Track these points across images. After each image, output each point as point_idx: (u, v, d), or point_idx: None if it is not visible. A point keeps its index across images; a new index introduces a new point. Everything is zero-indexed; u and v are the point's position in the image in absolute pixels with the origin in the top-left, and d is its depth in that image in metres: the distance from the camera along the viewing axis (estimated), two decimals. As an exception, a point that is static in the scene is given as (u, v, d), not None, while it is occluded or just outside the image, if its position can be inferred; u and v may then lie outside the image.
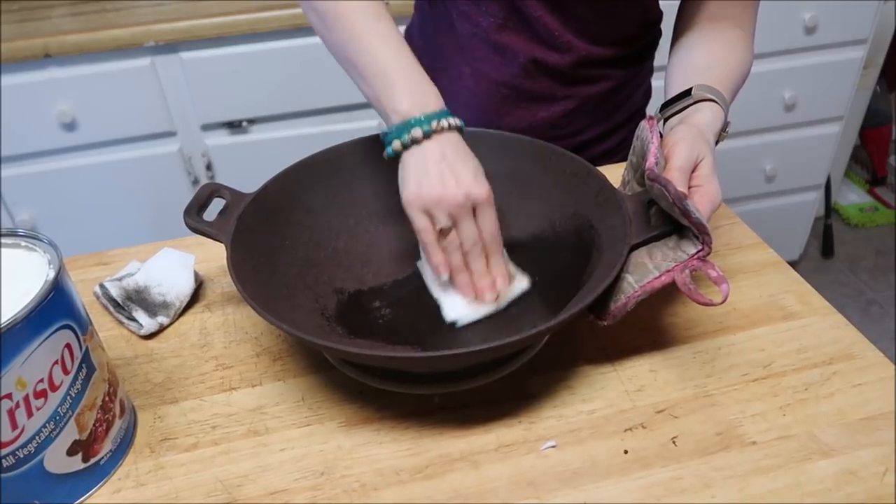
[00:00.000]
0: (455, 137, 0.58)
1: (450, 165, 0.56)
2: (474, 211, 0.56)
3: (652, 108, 0.90)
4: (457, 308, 0.59)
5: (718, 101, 0.61)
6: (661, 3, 0.80)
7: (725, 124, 0.62)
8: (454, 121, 0.58)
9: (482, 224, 0.56)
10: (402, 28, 0.89)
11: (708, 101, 0.61)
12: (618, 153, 0.86)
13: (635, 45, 0.79)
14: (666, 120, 0.64)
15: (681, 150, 0.55)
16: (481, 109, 0.80)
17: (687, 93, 0.63)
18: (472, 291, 0.58)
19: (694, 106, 0.62)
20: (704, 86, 0.62)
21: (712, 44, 0.69)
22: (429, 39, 0.82)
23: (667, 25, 0.80)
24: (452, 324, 0.59)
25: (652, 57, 0.85)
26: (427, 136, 0.56)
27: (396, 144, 0.57)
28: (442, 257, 0.57)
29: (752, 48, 0.71)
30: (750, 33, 0.71)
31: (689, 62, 0.69)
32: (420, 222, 0.57)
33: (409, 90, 0.57)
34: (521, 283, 0.60)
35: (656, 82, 0.85)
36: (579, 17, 0.73)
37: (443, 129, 0.56)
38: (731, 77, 0.66)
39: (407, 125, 0.56)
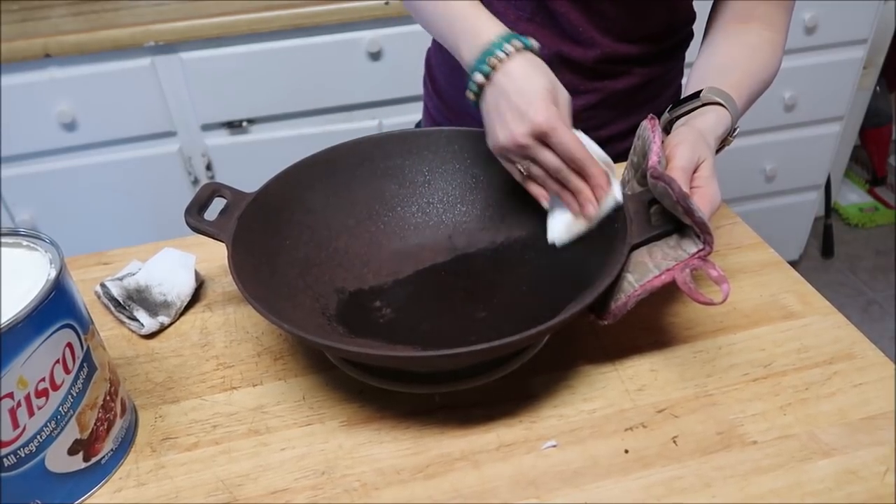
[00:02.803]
0: (517, 63, 0.58)
1: (508, 104, 0.57)
2: (542, 138, 0.57)
3: None
4: (554, 230, 0.61)
5: (726, 105, 0.61)
6: (695, 3, 0.79)
7: (732, 129, 0.62)
8: (516, 43, 0.59)
9: (556, 148, 0.57)
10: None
11: (715, 105, 0.61)
12: None
13: (662, 44, 0.79)
14: (676, 120, 0.64)
15: (683, 150, 0.55)
16: None
17: (696, 95, 0.63)
18: (576, 208, 0.59)
19: (700, 109, 0.62)
20: (715, 89, 0.62)
21: (735, 47, 0.69)
22: None
23: (700, 26, 0.80)
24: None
25: (682, 58, 0.84)
26: (487, 76, 0.59)
27: (469, 94, 0.61)
28: (537, 189, 0.60)
29: (781, 51, 0.70)
30: (781, 35, 0.70)
31: (708, 64, 0.69)
32: (507, 166, 0.61)
33: (464, 33, 0.62)
34: (615, 193, 0.59)
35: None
36: (604, 13, 0.73)
37: (500, 61, 0.58)
38: (749, 82, 0.66)
39: (472, 69, 0.60)
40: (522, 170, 0.60)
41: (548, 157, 0.57)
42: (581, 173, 0.57)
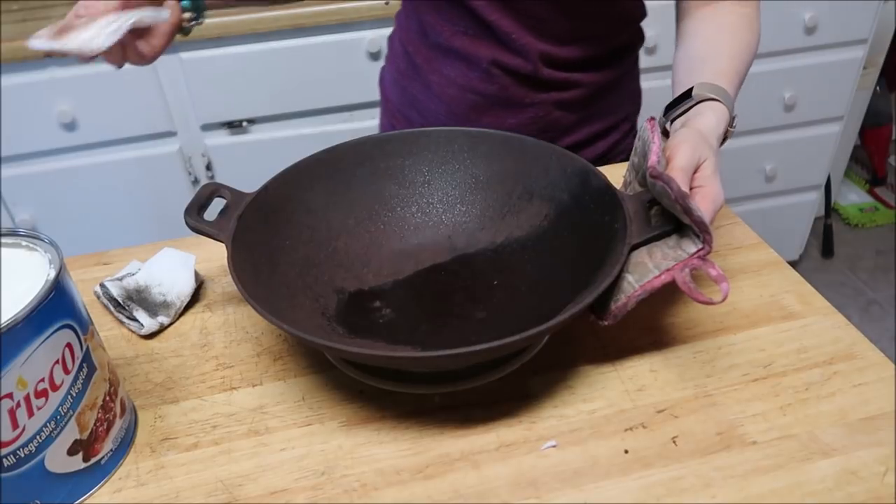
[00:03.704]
0: None
1: None
2: None
3: (646, 113, 0.89)
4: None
5: (721, 99, 0.61)
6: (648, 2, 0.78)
7: (732, 119, 0.62)
8: None
9: None
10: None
11: (710, 101, 0.61)
12: (604, 161, 0.84)
13: (606, 45, 0.77)
14: (671, 122, 0.63)
15: (683, 151, 0.55)
16: (453, 115, 0.80)
17: (688, 94, 0.62)
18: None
19: (697, 107, 0.61)
20: (706, 84, 0.62)
21: (712, 31, 0.68)
22: (404, 48, 0.83)
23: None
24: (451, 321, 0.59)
25: (633, 60, 0.83)
26: None
27: None
28: None
29: (758, 24, 0.69)
30: (754, 6, 0.69)
31: (688, 55, 0.68)
32: None
33: None
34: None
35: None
36: (537, 16, 0.72)
37: None
38: (734, 65, 0.65)
39: None
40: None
41: None
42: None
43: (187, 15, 0.64)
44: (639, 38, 0.82)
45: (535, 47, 0.73)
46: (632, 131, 0.88)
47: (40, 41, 0.60)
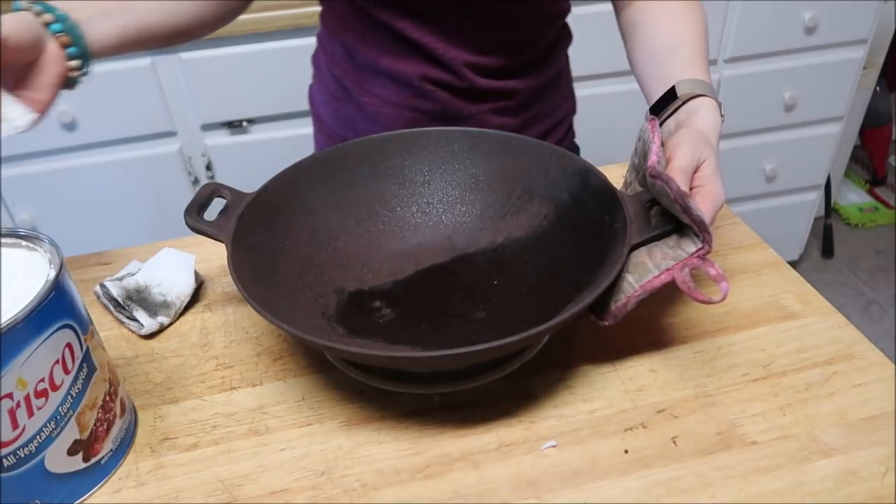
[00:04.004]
0: None
1: None
2: None
3: (580, 115, 0.88)
4: None
5: (708, 93, 0.61)
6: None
7: (719, 107, 0.62)
8: None
9: None
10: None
11: (700, 98, 0.61)
12: None
13: (535, 48, 0.76)
14: (661, 124, 0.63)
15: (683, 151, 0.55)
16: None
17: (672, 93, 0.62)
18: None
19: (687, 107, 0.61)
20: (686, 81, 0.62)
21: (663, 21, 0.68)
22: (330, 70, 0.80)
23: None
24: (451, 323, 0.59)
25: (561, 61, 0.82)
26: None
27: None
28: None
29: None
30: None
31: (648, 51, 0.68)
32: None
33: None
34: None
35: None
36: (460, 29, 0.71)
37: None
38: (698, 48, 0.65)
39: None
40: None
41: None
42: None
43: (74, 63, 0.58)
44: (566, 35, 0.81)
45: (463, 59, 0.72)
46: (569, 132, 0.87)
47: None
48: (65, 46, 0.57)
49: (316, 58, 0.85)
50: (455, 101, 0.75)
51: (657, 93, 0.64)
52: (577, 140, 0.92)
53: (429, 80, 0.73)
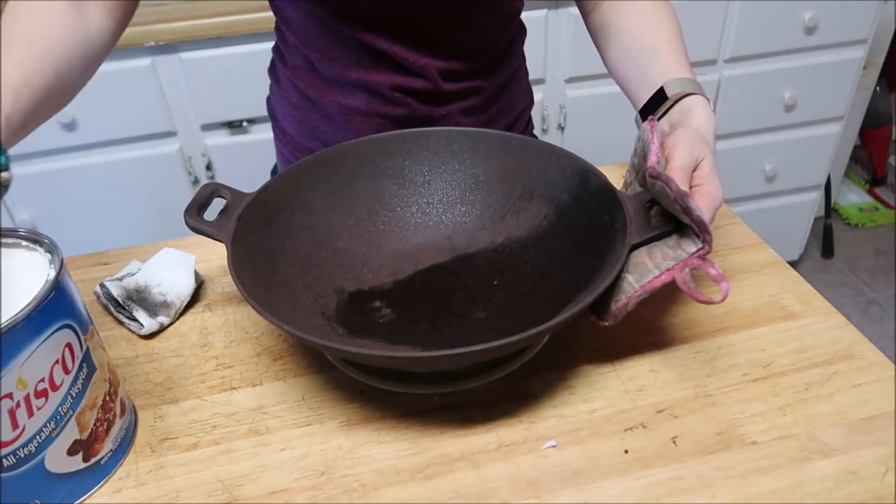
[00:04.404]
0: None
1: None
2: None
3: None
4: None
5: (697, 91, 0.61)
6: None
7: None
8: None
9: None
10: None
11: (691, 97, 0.60)
12: None
13: (497, 47, 0.77)
14: None
15: (681, 150, 0.55)
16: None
17: (662, 95, 0.62)
18: None
19: (680, 106, 0.61)
20: (673, 80, 0.62)
21: (635, 20, 0.68)
22: (292, 82, 0.79)
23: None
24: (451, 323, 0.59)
25: (519, 56, 0.82)
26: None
27: None
28: None
29: None
30: None
31: (626, 52, 0.68)
32: None
33: None
34: None
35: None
36: (427, 36, 0.71)
37: None
38: (675, 45, 0.65)
39: None
40: None
41: None
42: None
43: (5, 175, 0.52)
44: (522, 30, 0.81)
45: (433, 66, 0.72)
46: (529, 124, 0.88)
47: None
48: None
49: (273, 70, 0.83)
50: (424, 106, 0.75)
51: (643, 94, 0.65)
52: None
53: (400, 88, 0.73)
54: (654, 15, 0.68)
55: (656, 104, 0.62)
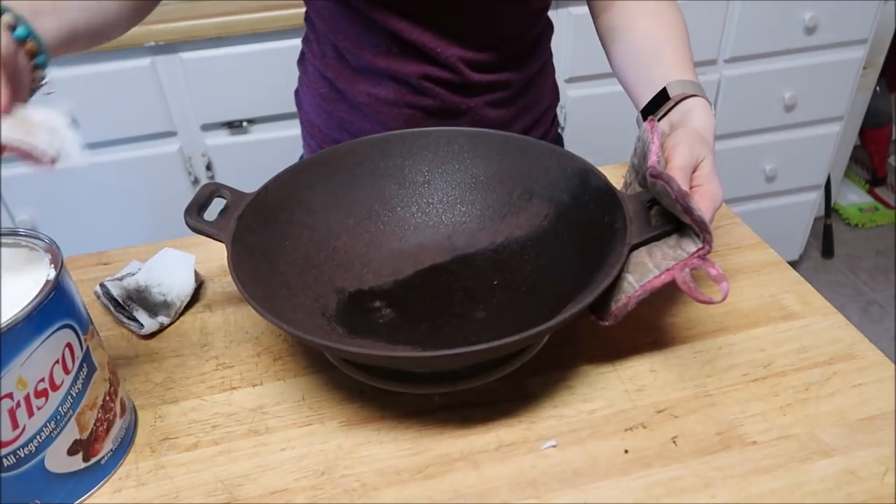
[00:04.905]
0: None
1: None
2: None
3: (580, 114, 0.89)
4: None
5: (699, 93, 0.61)
6: None
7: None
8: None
9: None
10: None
11: (692, 98, 0.61)
12: None
13: (525, 41, 0.77)
14: None
15: (681, 151, 0.55)
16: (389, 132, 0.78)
17: (664, 95, 0.62)
18: None
19: (681, 107, 0.61)
20: (676, 82, 0.62)
21: (643, 21, 0.68)
22: (321, 73, 0.80)
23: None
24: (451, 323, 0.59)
25: (546, 52, 0.83)
26: None
27: None
28: None
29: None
30: None
31: (631, 53, 0.68)
32: None
33: None
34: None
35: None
36: (456, 28, 0.72)
37: None
38: (680, 48, 0.66)
39: None
40: None
41: None
42: None
43: (39, 74, 0.53)
44: (549, 27, 0.82)
45: (460, 56, 0.73)
46: (554, 121, 0.89)
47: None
48: (31, 55, 0.51)
49: (302, 61, 0.85)
50: (453, 97, 0.75)
51: (646, 95, 0.65)
52: (576, 141, 0.92)
53: (428, 78, 0.74)
54: (661, 19, 0.68)
55: (658, 105, 0.63)
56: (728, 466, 0.48)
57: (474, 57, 0.74)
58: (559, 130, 0.91)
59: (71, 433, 0.47)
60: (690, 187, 0.54)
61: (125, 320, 0.63)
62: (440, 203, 0.69)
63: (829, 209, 1.99)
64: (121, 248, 0.73)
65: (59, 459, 0.46)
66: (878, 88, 1.90)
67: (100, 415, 0.49)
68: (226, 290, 0.67)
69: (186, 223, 0.58)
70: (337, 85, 0.78)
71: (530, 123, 0.83)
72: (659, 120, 0.62)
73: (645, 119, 0.63)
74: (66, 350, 0.45)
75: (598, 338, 0.59)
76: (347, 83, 0.77)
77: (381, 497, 0.48)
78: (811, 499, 0.46)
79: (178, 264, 0.66)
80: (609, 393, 0.54)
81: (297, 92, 0.88)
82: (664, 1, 0.69)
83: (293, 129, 1.43)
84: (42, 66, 0.53)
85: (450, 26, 0.71)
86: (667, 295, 0.62)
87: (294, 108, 1.41)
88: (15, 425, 0.43)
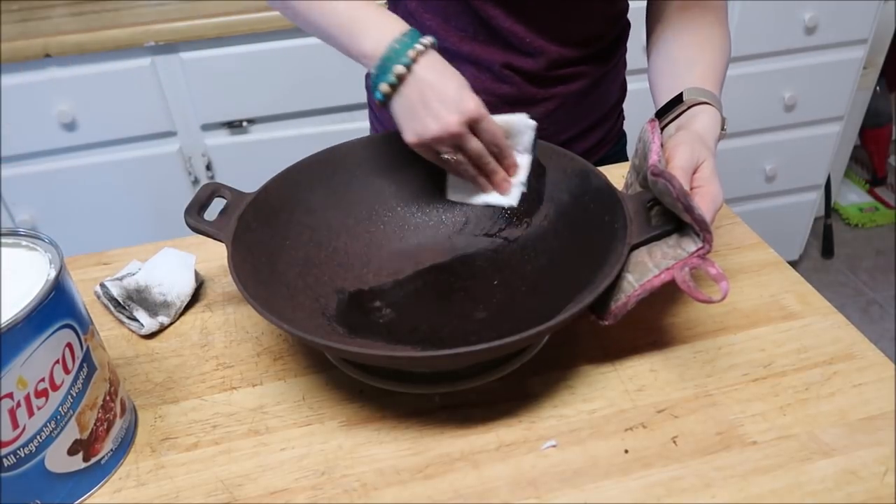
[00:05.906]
0: (432, 58, 0.60)
1: (436, 95, 0.59)
2: (472, 125, 0.60)
3: (629, 102, 0.91)
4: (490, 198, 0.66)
5: (712, 102, 0.61)
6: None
7: (723, 121, 0.62)
8: (426, 40, 0.60)
9: (482, 136, 0.61)
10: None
11: (702, 105, 0.61)
12: (597, 152, 0.86)
13: (605, 40, 0.79)
14: (662, 128, 0.63)
15: (682, 151, 0.55)
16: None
17: (679, 99, 0.63)
18: (491, 189, 0.65)
19: (689, 112, 0.62)
20: (694, 88, 0.63)
21: (688, 37, 0.69)
22: None
23: (637, 19, 0.80)
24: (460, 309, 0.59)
25: (623, 50, 0.85)
26: (408, 68, 0.59)
27: (384, 87, 0.61)
28: (462, 174, 0.64)
29: (727, 28, 0.71)
30: (723, 13, 0.71)
31: (669, 61, 0.69)
32: (431, 157, 0.63)
33: (366, 30, 0.61)
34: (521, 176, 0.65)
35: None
36: (546, 20, 0.73)
37: (419, 54, 0.59)
38: (716, 67, 0.66)
39: (385, 64, 0.60)
40: (451, 158, 0.61)
41: (473, 144, 0.61)
42: (499, 156, 0.62)
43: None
44: (627, 27, 0.84)
45: (547, 49, 0.75)
46: (620, 116, 0.91)
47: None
48: None
49: None
50: (530, 87, 0.77)
51: (664, 100, 0.66)
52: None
53: (510, 66, 0.75)
54: (706, 37, 0.69)
55: (672, 108, 0.63)
56: (728, 466, 0.48)
57: (560, 52, 0.75)
58: (622, 126, 0.93)
59: (71, 433, 0.47)
60: (691, 188, 0.54)
61: (125, 320, 0.63)
62: (440, 203, 0.69)
63: (829, 209, 1.99)
64: (121, 248, 0.73)
65: (59, 459, 0.46)
66: (878, 88, 1.89)
67: (100, 415, 0.49)
68: (226, 290, 0.67)
69: (186, 223, 0.58)
70: None
71: (598, 118, 0.84)
72: (668, 122, 0.63)
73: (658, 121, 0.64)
74: (67, 350, 0.45)
75: (598, 338, 0.59)
76: None
77: (382, 497, 0.48)
78: (811, 499, 0.46)
79: (178, 264, 0.66)
80: (609, 393, 0.54)
81: (367, 75, 0.89)
82: (718, 28, 0.70)
83: (293, 129, 1.43)
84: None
85: (542, 19, 0.73)
86: (667, 295, 0.62)
87: (294, 108, 1.42)
88: (15, 425, 0.43)
